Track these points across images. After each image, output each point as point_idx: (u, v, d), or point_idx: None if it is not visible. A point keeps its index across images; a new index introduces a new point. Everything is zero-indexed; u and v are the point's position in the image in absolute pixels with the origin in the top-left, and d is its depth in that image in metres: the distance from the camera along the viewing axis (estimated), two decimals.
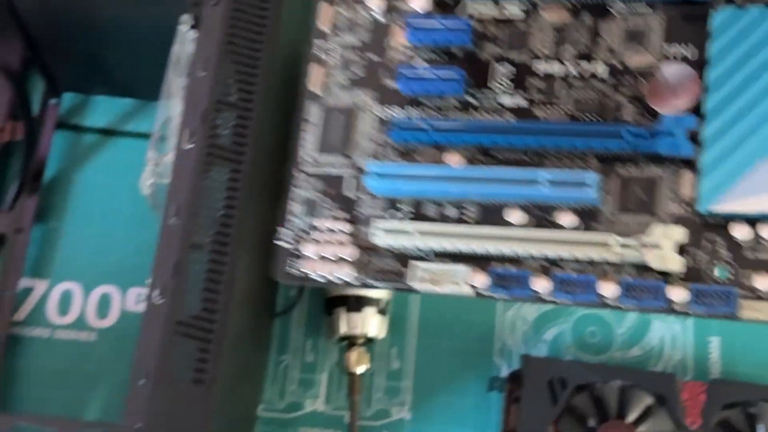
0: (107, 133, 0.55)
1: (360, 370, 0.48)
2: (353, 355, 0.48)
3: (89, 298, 0.52)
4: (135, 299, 0.51)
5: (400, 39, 0.43)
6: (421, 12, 0.42)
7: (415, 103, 0.42)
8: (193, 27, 0.43)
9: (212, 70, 0.41)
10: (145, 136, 0.54)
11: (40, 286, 0.52)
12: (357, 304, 0.47)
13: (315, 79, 0.43)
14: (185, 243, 0.39)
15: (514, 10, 0.42)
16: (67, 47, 0.51)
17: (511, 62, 0.41)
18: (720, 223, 0.37)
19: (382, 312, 0.48)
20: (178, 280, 0.38)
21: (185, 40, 0.44)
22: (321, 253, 0.41)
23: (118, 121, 0.55)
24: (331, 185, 0.42)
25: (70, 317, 0.51)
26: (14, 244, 0.51)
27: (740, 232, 0.37)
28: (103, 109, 0.55)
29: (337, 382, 0.49)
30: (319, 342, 0.49)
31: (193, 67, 0.41)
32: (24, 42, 0.51)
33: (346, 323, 0.47)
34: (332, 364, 0.49)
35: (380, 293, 0.48)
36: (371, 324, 0.47)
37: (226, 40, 0.41)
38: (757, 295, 0.36)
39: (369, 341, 0.48)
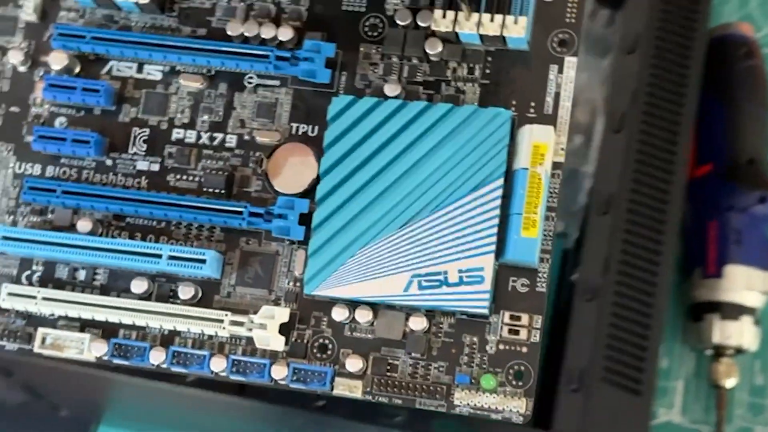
0: None
1: (729, 383, 0.45)
2: (722, 367, 0.45)
3: None
4: None
5: (41, 94, 0.43)
6: (59, 69, 0.42)
7: (55, 160, 0.42)
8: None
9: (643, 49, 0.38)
10: None
11: None
12: (733, 311, 0.45)
13: None
14: (615, 237, 0.36)
15: (155, 74, 0.43)
16: None
17: (148, 126, 0.42)
18: (325, 303, 0.40)
19: (757, 323, 0.45)
20: (608, 279, 0.35)
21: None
22: None
23: None
24: None
25: None
26: None
27: (339, 314, 0.39)
28: None
29: (694, 393, 0.45)
30: (674, 347, 0.46)
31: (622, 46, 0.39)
32: None
33: (720, 332, 0.44)
34: (689, 372, 0.46)
35: (756, 300, 0.45)
36: (747, 335, 0.44)
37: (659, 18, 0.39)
38: (349, 373, 0.39)
39: (737, 352, 0.45)
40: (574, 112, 0.45)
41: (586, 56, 0.51)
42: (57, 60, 0.42)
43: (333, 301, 0.39)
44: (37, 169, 0.42)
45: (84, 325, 0.41)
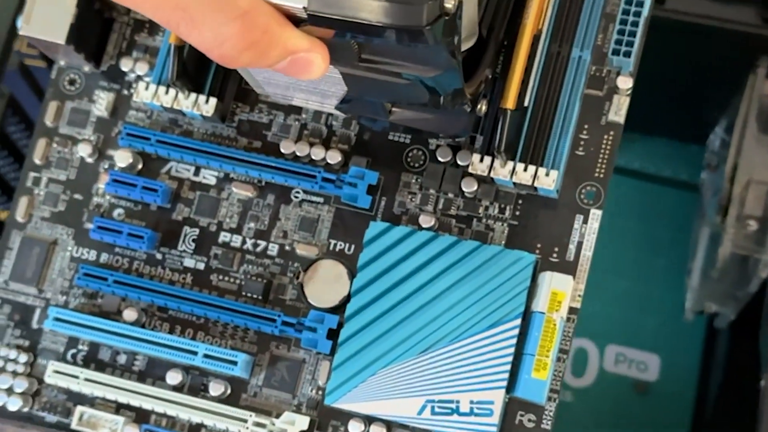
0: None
1: None
2: None
3: None
4: (613, 359, 0.54)
5: (103, 186, 0.46)
6: (123, 166, 0.46)
7: (109, 248, 0.46)
8: None
9: None
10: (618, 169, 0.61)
11: None
12: None
13: (21, 208, 0.47)
14: None
15: (210, 178, 0.46)
16: None
17: (198, 226, 0.46)
18: (343, 415, 0.43)
19: None
20: None
21: (760, 89, 0.51)
22: None
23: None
24: (19, 312, 0.46)
25: None
26: None
27: (355, 427, 0.42)
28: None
29: None
30: None
31: None
32: None
33: None
34: None
35: None
36: None
37: None
38: None
39: None
40: (747, 196, 0.53)
41: (760, 134, 0.56)
42: (122, 158, 0.46)
43: (351, 414, 0.42)
44: (92, 255, 0.46)
45: (119, 407, 0.44)
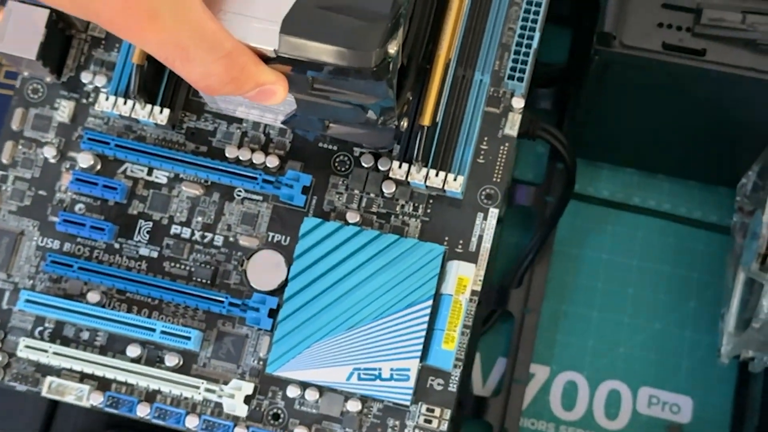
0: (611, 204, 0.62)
1: None
2: None
3: (596, 394, 0.54)
4: (647, 401, 0.54)
5: (66, 183, 0.52)
6: (85, 166, 0.52)
7: (72, 239, 0.52)
8: None
9: None
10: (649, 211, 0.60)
11: (541, 372, 0.55)
12: None
13: None
14: None
15: (162, 178, 0.52)
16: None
17: (152, 220, 0.52)
18: (282, 381, 0.50)
19: None
20: None
21: None
22: None
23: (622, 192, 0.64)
24: None
25: (576, 413, 0.54)
26: (526, 324, 0.54)
27: (292, 392, 0.50)
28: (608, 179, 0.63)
29: None
30: None
31: None
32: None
33: None
34: None
35: None
36: None
37: None
38: None
39: None
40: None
41: None
42: (84, 159, 0.52)
43: (288, 381, 0.50)
44: (56, 244, 0.52)
45: (83, 377, 0.51)
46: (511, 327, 0.64)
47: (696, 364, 0.65)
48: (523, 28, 0.52)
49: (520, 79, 0.52)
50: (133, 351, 0.51)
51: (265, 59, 0.40)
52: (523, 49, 0.52)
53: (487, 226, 0.51)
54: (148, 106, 0.51)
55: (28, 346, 0.50)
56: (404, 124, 0.48)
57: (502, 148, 0.52)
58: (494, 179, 0.52)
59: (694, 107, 0.59)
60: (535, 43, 0.52)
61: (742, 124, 0.60)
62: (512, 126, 0.52)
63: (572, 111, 0.64)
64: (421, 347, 0.49)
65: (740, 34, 0.55)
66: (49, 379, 0.50)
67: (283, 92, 0.40)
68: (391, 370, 0.49)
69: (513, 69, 0.52)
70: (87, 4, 0.35)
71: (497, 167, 0.52)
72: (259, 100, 0.40)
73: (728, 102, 0.58)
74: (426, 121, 0.49)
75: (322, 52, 0.38)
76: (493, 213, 0.51)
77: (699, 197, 0.68)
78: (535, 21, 0.52)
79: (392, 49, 0.39)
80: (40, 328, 0.51)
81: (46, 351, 0.50)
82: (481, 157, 0.52)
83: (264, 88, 0.40)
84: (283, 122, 0.47)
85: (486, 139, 0.52)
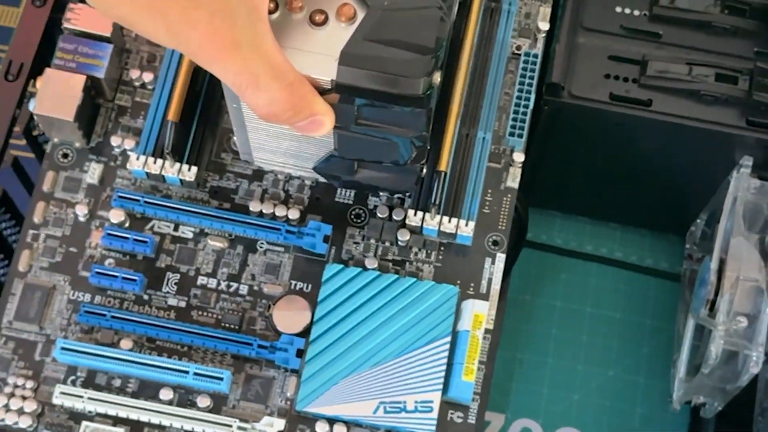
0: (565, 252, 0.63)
1: None
2: None
3: None
4: None
5: (97, 240, 0.55)
6: (116, 222, 0.55)
7: (102, 292, 0.54)
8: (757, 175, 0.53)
9: None
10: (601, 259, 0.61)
11: (496, 420, 0.56)
12: None
13: (23, 260, 0.55)
14: None
15: (188, 233, 0.56)
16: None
17: (179, 272, 0.55)
18: (310, 420, 0.53)
19: None
20: None
21: (745, 188, 0.51)
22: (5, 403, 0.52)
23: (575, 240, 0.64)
24: (23, 347, 0.54)
25: None
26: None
27: (321, 428, 0.52)
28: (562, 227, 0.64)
29: None
30: None
31: None
32: None
33: None
34: None
35: None
36: None
37: None
38: None
39: None
40: (736, 293, 0.55)
41: (746, 232, 0.59)
42: (115, 216, 0.55)
43: (316, 418, 0.52)
44: (87, 297, 0.54)
45: (116, 421, 0.52)
46: None
47: (649, 410, 0.67)
48: (519, 91, 0.57)
49: (520, 135, 0.56)
50: (165, 395, 0.53)
51: (321, 91, 0.44)
52: (521, 109, 0.57)
53: (495, 269, 0.55)
54: (177, 164, 0.55)
55: (63, 393, 0.52)
56: (423, 169, 0.52)
57: (505, 199, 0.56)
58: (499, 227, 0.56)
59: (642, 156, 0.63)
60: (530, 104, 0.57)
61: (689, 172, 0.64)
62: (514, 179, 0.57)
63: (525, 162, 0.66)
64: (442, 380, 0.52)
65: (685, 85, 0.60)
66: (84, 424, 0.52)
67: (330, 123, 0.44)
68: (416, 402, 0.52)
69: (513, 126, 0.57)
70: (178, 33, 0.39)
71: (501, 216, 0.56)
72: (309, 129, 0.44)
73: (675, 151, 0.62)
74: (442, 166, 0.53)
75: (375, 80, 0.42)
76: (501, 258, 0.55)
77: (650, 245, 0.71)
78: (530, 84, 0.57)
79: (436, 79, 0.43)
80: (73, 377, 0.53)
81: (81, 396, 0.52)
82: (487, 207, 0.56)
83: (315, 118, 0.44)
84: (315, 167, 0.51)
85: (490, 191, 0.56)
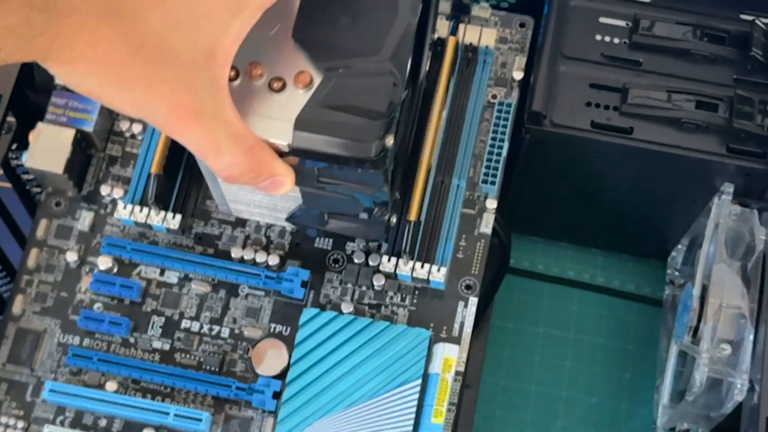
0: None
1: None
2: None
3: None
4: None
5: (86, 285, 0.58)
6: (104, 269, 0.57)
7: (90, 335, 0.57)
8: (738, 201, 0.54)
9: None
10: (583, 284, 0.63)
11: None
12: None
13: (17, 305, 0.57)
14: None
15: (173, 278, 0.58)
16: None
17: (164, 316, 0.57)
18: None
19: None
20: None
21: (726, 214, 0.52)
22: None
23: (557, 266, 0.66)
24: (16, 389, 0.56)
25: None
26: (464, 399, 0.57)
27: None
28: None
29: None
30: None
31: None
32: None
33: None
34: None
35: None
36: None
37: None
38: None
39: None
40: (719, 321, 0.55)
41: (728, 259, 0.59)
42: (104, 262, 0.57)
43: None
44: (76, 340, 0.57)
45: None
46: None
47: None
48: (493, 139, 0.59)
49: (493, 183, 0.58)
50: None
51: (280, 153, 0.46)
52: (494, 157, 0.59)
53: (467, 313, 0.57)
54: (162, 213, 0.57)
55: None
56: (393, 219, 0.54)
57: (478, 244, 0.58)
58: (473, 271, 0.58)
59: (624, 183, 0.64)
60: (504, 152, 0.59)
61: (669, 199, 0.64)
62: (487, 225, 0.58)
63: (506, 187, 0.65)
64: (412, 421, 0.54)
65: (666, 113, 0.60)
66: None
67: (290, 183, 0.46)
68: None
69: (486, 174, 0.58)
70: (144, 106, 0.42)
71: (475, 261, 0.58)
72: (270, 189, 0.47)
73: (656, 178, 0.62)
74: (412, 216, 0.55)
75: (329, 144, 0.45)
76: (473, 301, 0.57)
77: (632, 270, 0.71)
78: (504, 133, 0.59)
79: (389, 142, 0.45)
80: (61, 417, 0.56)
81: None
82: (461, 252, 0.58)
83: (275, 178, 0.46)
84: (287, 218, 0.53)
85: (464, 236, 0.58)
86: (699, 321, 0.58)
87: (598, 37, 0.63)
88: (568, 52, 0.62)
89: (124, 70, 0.41)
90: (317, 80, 0.46)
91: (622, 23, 0.63)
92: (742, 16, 0.63)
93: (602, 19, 0.63)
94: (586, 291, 0.71)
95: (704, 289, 0.58)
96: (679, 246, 0.66)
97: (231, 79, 0.46)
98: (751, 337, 0.57)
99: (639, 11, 0.63)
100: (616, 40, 0.63)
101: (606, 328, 0.70)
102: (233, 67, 0.47)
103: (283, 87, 0.46)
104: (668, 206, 0.65)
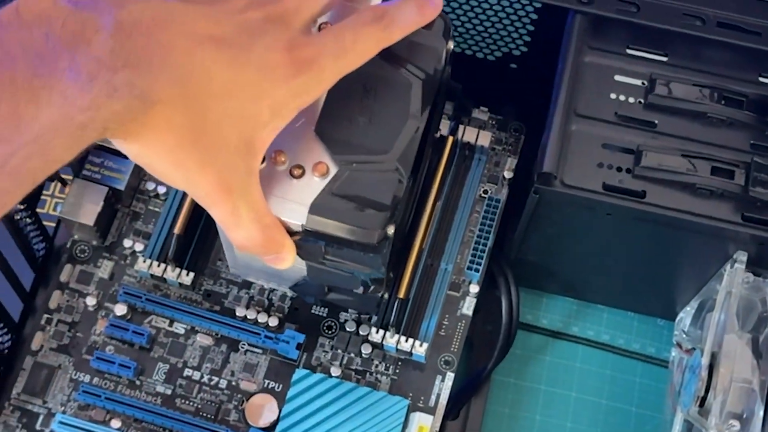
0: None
1: None
2: None
3: None
4: None
5: (101, 328, 0.63)
6: (119, 315, 0.63)
7: (100, 374, 0.63)
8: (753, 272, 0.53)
9: None
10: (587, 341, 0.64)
11: None
12: None
13: (36, 341, 0.63)
14: None
15: (180, 329, 0.64)
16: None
17: (169, 363, 0.63)
18: None
19: None
20: None
21: (738, 283, 0.51)
22: None
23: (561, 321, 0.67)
24: (28, 418, 0.62)
25: None
26: None
27: None
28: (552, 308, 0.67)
29: None
30: None
31: None
32: None
33: None
34: None
35: None
36: None
37: None
38: None
39: None
40: (729, 394, 0.54)
41: (740, 331, 0.57)
42: (120, 309, 0.63)
43: None
44: (87, 378, 0.63)
45: None
46: None
47: None
48: (480, 230, 0.65)
49: (477, 270, 0.64)
50: None
51: (290, 231, 0.52)
52: (481, 246, 0.65)
53: (444, 386, 0.63)
54: (177, 269, 0.63)
55: None
56: (385, 295, 0.60)
57: (459, 324, 0.64)
58: (452, 349, 0.64)
59: (634, 245, 0.62)
60: (490, 243, 0.65)
61: (681, 263, 0.62)
62: (469, 307, 0.64)
63: (512, 242, 0.66)
64: None
65: (680, 178, 0.57)
66: None
67: (291, 260, 0.52)
68: None
69: (471, 262, 0.65)
70: (193, 182, 0.48)
71: (455, 339, 0.64)
72: (274, 263, 0.52)
73: (668, 242, 0.60)
74: (401, 294, 0.61)
75: (338, 228, 0.51)
76: (450, 376, 0.63)
77: (637, 328, 0.69)
78: (491, 225, 0.65)
79: (390, 231, 0.51)
80: None
81: None
82: (443, 330, 0.64)
83: (281, 255, 0.52)
84: (291, 287, 0.59)
85: (447, 316, 0.64)
86: (706, 391, 0.56)
87: (613, 96, 0.60)
88: (582, 111, 0.60)
89: (184, 154, 0.47)
90: (333, 171, 0.52)
91: (637, 82, 0.61)
92: (761, 79, 0.61)
93: (618, 77, 0.61)
94: (590, 348, 0.70)
95: (713, 358, 0.57)
96: (688, 308, 0.65)
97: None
98: (761, 413, 0.56)
99: (655, 70, 0.61)
100: (631, 100, 0.60)
101: (609, 387, 0.69)
102: None
103: (302, 174, 0.52)
104: (679, 269, 0.63)
